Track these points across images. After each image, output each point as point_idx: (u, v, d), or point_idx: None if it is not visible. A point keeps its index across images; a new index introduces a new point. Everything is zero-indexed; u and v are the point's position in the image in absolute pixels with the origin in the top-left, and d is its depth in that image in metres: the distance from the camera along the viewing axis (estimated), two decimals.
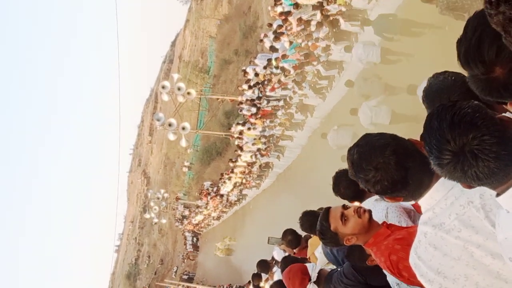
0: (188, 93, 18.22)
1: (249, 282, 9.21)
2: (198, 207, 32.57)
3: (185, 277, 35.55)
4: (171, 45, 59.62)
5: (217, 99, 24.02)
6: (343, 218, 2.21)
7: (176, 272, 40.67)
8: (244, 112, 17.01)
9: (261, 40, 14.19)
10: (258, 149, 18.23)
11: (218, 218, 31.79)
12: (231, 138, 21.56)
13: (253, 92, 15.51)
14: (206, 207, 30.80)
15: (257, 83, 14.96)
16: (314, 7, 10.36)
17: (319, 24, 10.15)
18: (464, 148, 1.07)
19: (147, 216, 38.04)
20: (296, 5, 10.86)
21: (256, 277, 6.70)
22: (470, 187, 1.17)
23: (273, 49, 12.84)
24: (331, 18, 9.95)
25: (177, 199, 38.07)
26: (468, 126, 1.08)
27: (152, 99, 61.91)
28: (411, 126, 7.36)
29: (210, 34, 38.10)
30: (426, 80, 1.79)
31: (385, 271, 2.14)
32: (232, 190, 24.61)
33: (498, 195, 1.15)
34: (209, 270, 32.36)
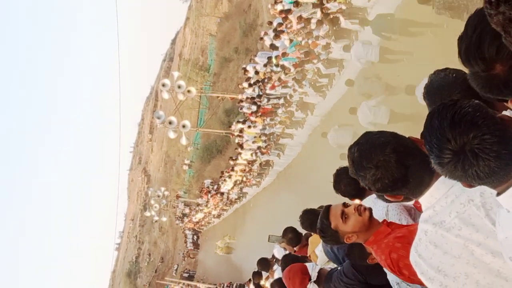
0: (189, 91, 18.22)
1: (250, 280, 9.21)
2: (198, 205, 32.59)
3: (186, 275, 35.63)
4: (171, 43, 59.65)
5: (218, 97, 24.01)
6: (344, 216, 2.21)
7: (176, 270, 40.71)
8: (245, 110, 17.03)
9: (261, 38, 14.20)
10: (259, 147, 18.23)
11: (219, 216, 31.81)
12: (231, 136, 21.58)
13: (254, 90, 15.52)
14: (206, 205, 30.83)
15: (258, 81, 14.96)
16: (314, 5, 10.36)
17: (319, 22, 10.15)
18: (465, 147, 1.08)
19: (147, 214, 38.01)
20: (296, 3, 10.86)
21: (257, 275, 6.69)
22: (470, 186, 1.17)
23: (273, 47, 12.82)
24: (331, 16, 9.95)
25: (178, 197, 38.08)
26: (469, 125, 1.08)
27: (152, 97, 61.93)
28: (409, 125, 7.39)
29: (210, 32, 38.03)
30: (424, 80, 1.79)
31: (385, 269, 2.13)
32: (232, 188, 24.63)
33: (498, 194, 1.15)
34: (210, 268, 32.37)
